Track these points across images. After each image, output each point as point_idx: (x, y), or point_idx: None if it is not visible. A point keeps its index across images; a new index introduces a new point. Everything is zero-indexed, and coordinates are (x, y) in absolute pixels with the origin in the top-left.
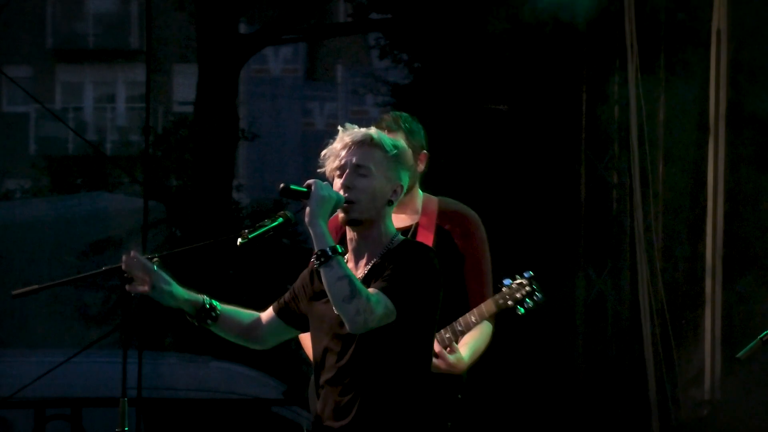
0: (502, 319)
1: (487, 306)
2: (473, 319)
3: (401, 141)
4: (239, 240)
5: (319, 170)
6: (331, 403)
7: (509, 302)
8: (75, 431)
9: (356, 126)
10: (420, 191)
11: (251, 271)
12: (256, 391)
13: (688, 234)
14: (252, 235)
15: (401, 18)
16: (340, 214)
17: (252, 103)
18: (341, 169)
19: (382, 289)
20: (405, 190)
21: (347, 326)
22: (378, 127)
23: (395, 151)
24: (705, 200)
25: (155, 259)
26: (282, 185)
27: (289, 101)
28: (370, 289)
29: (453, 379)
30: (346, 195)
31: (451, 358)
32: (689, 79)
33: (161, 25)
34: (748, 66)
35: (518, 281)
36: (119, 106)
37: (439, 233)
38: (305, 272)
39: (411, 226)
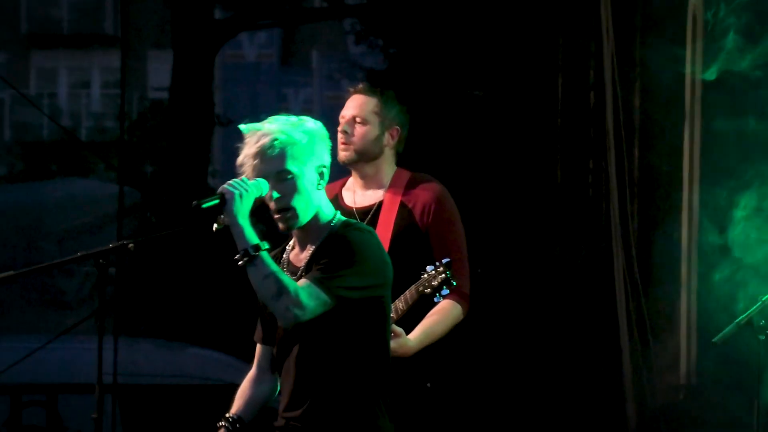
0: (475, 302)
1: (410, 292)
2: (401, 305)
3: (311, 122)
4: (215, 226)
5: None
6: (287, 394)
7: (427, 290)
8: (51, 417)
9: (256, 125)
10: (394, 166)
11: (227, 257)
12: (232, 377)
13: (664, 218)
14: (206, 205)
15: (376, 3)
16: (280, 225)
17: (227, 89)
18: (263, 178)
19: (315, 280)
20: (330, 163)
21: (279, 322)
22: (355, 91)
23: (306, 138)
24: (681, 184)
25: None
26: (194, 204)
27: (265, 87)
28: (302, 281)
29: (422, 367)
30: (279, 205)
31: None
32: (665, 64)
33: (136, 11)
34: None
35: (437, 268)
36: (94, 92)
37: (402, 211)
38: None
39: (375, 204)
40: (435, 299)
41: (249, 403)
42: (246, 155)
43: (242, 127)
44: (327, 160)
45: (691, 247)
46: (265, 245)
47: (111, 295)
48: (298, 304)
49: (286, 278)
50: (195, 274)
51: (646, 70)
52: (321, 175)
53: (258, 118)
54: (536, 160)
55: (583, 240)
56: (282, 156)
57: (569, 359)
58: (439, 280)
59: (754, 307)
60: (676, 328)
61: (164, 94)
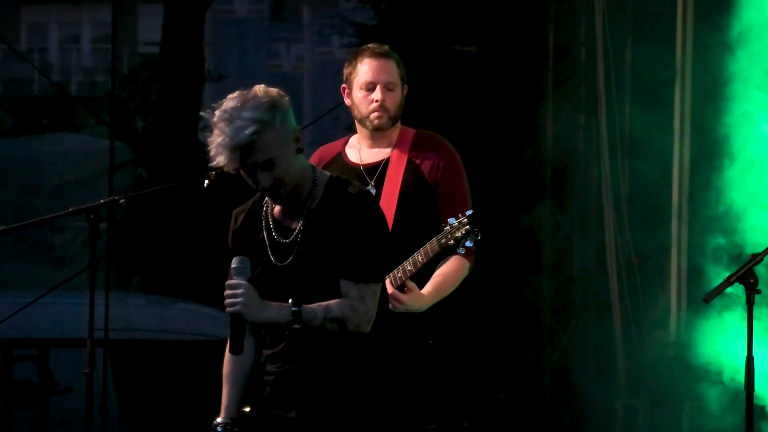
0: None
1: (431, 245)
2: (420, 258)
3: (274, 94)
4: (205, 182)
5: (210, 164)
6: (276, 348)
7: (450, 241)
8: (42, 372)
9: (222, 113)
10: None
11: (217, 213)
12: (224, 333)
13: (655, 174)
14: (237, 337)
15: None
16: (273, 202)
17: (218, 45)
18: (249, 170)
19: (354, 278)
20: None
21: None
22: (372, 51)
23: (278, 116)
24: (672, 142)
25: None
26: (231, 349)
27: (255, 42)
28: (346, 287)
29: (425, 324)
30: (273, 188)
31: (405, 297)
32: (657, 21)
33: None
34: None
35: (460, 220)
36: (84, 46)
37: (410, 167)
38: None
39: (382, 161)
40: (458, 251)
41: (237, 391)
42: (221, 146)
43: (204, 114)
44: (295, 124)
45: (682, 203)
46: (296, 306)
47: (102, 250)
48: (364, 316)
49: (336, 309)
50: (187, 229)
51: (638, 27)
52: (297, 140)
53: (249, 74)
54: (527, 117)
55: (574, 196)
56: (264, 145)
57: (559, 313)
58: (463, 232)
59: (745, 263)
60: (667, 284)
61: (155, 49)
